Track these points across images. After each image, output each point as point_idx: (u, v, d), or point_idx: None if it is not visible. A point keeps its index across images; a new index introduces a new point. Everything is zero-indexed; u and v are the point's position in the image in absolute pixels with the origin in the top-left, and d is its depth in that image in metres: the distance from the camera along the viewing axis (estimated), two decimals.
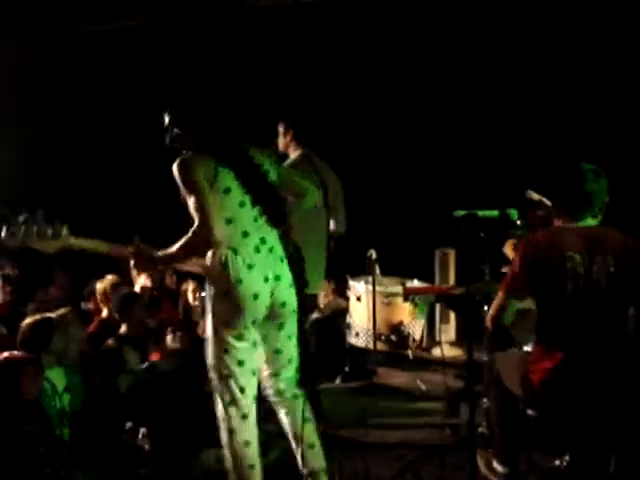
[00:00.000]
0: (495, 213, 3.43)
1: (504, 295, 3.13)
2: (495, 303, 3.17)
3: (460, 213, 3.39)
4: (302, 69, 7.51)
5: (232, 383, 3.14)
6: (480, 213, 3.37)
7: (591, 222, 3.12)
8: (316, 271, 4.44)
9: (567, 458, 3.41)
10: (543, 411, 3.12)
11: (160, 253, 3.09)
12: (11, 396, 3.43)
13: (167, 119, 3.27)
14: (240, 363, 3.13)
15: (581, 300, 2.95)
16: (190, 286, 6.13)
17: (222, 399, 3.18)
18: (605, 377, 2.91)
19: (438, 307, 6.91)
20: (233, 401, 3.15)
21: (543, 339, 3.06)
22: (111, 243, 3.14)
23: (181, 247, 3.01)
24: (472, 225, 3.42)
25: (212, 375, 3.21)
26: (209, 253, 3.13)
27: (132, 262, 3.18)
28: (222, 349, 3.13)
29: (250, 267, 3.08)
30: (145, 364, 4.41)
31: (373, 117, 7.68)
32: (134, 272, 5.47)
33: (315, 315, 5.87)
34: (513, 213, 3.42)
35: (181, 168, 3.03)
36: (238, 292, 3.06)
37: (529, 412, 3.28)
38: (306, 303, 3.76)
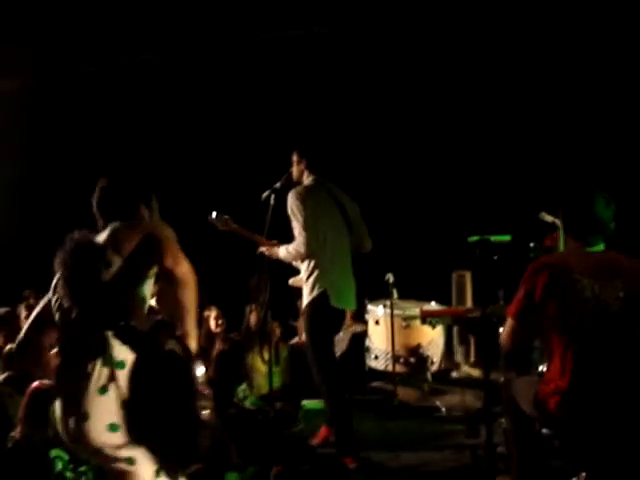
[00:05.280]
0: (507, 238, 3.55)
1: (512, 320, 3.16)
2: (505, 328, 3.22)
3: (474, 238, 3.51)
4: (315, 97, 7.62)
5: None
6: (493, 238, 3.49)
7: (601, 247, 3.16)
8: (351, 289, 4.65)
9: (584, 475, 3.46)
10: (558, 430, 3.18)
11: None
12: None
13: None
14: None
15: (590, 322, 3.00)
16: (212, 313, 5.94)
17: None
18: (614, 397, 2.96)
19: (456, 329, 6.97)
20: None
21: (554, 361, 3.11)
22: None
23: None
24: (486, 250, 3.53)
25: None
26: None
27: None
28: None
29: None
30: None
31: (389, 144, 7.79)
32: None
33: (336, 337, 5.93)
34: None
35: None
36: None
37: (545, 431, 3.33)
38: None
